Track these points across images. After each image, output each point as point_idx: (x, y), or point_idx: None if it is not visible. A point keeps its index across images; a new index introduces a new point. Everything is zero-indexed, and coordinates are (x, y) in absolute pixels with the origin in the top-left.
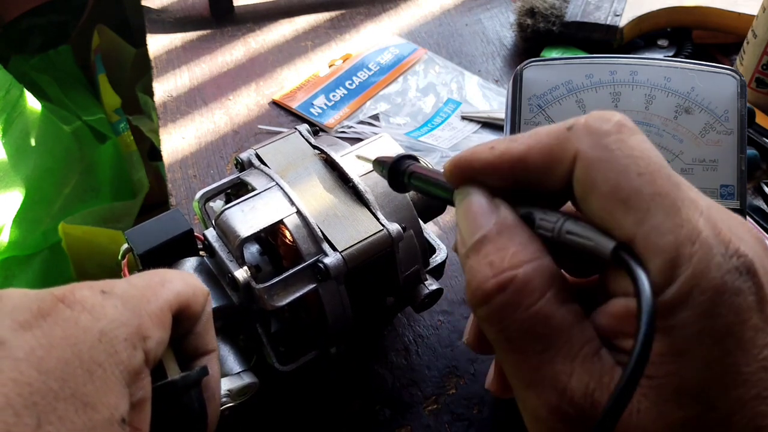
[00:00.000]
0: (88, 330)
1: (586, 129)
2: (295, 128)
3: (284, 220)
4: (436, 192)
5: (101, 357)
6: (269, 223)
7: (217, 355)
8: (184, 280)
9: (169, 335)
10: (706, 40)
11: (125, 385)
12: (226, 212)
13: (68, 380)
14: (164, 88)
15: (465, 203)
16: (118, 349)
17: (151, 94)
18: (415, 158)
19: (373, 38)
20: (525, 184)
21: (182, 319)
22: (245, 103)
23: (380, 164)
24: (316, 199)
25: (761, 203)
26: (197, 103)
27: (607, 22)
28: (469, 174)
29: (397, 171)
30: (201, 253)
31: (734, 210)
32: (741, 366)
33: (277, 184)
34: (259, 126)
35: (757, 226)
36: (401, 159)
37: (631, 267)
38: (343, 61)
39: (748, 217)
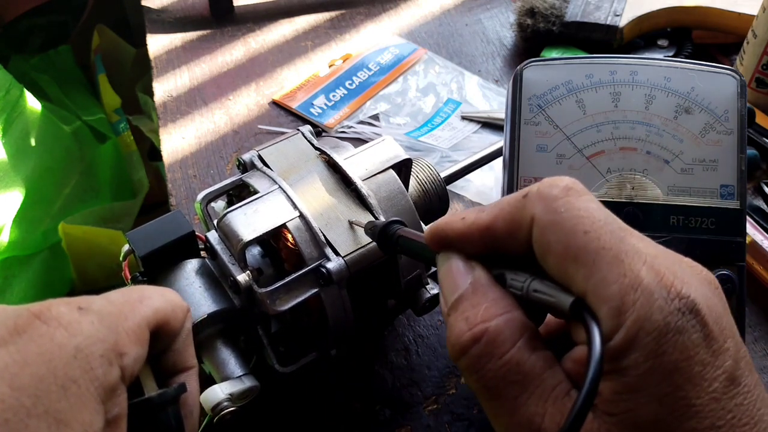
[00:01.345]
0: (64, 346)
1: (538, 195)
2: (298, 129)
3: (287, 224)
4: (421, 254)
5: (76, 373)
6: (272, 227)
7: (197, 372)
8: (163, 296)
9: (146, 352)
10: (706, 40)
11: (100, 401)
12: (229, 215)
13: (42, 397)
14: (164, 88)
15: (445, 267)
16: (93, 366)
17: (151, 94)
18: (402, 223)
19: (373, 38)
20: (495, 249)
21: (161, 336)
22: (245, 103)
23: (372, 227)
24: (318, 202)
25: (761, 203)
26: (197, 103)
27: (607, 22)
28: (445, 242)
29: (386, 234)
30: (202, 254)
31: (734, 210)
32: (692, 399)
33: (279, 187)
34: (259, 126)
35: (757, 226)
36: (390, 224)
37: (585, 319)
38: (343, 61)
39: (747, 218)
